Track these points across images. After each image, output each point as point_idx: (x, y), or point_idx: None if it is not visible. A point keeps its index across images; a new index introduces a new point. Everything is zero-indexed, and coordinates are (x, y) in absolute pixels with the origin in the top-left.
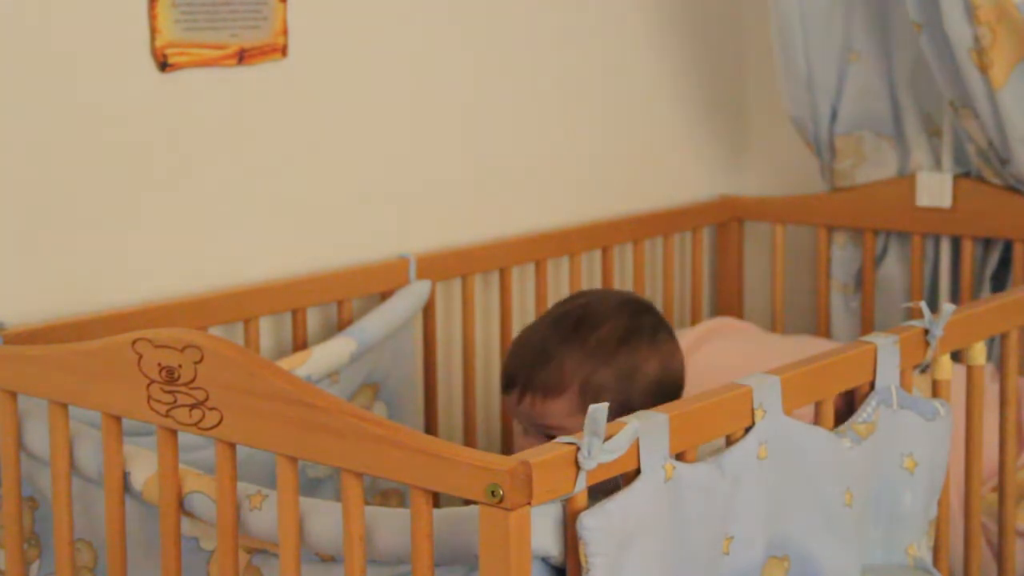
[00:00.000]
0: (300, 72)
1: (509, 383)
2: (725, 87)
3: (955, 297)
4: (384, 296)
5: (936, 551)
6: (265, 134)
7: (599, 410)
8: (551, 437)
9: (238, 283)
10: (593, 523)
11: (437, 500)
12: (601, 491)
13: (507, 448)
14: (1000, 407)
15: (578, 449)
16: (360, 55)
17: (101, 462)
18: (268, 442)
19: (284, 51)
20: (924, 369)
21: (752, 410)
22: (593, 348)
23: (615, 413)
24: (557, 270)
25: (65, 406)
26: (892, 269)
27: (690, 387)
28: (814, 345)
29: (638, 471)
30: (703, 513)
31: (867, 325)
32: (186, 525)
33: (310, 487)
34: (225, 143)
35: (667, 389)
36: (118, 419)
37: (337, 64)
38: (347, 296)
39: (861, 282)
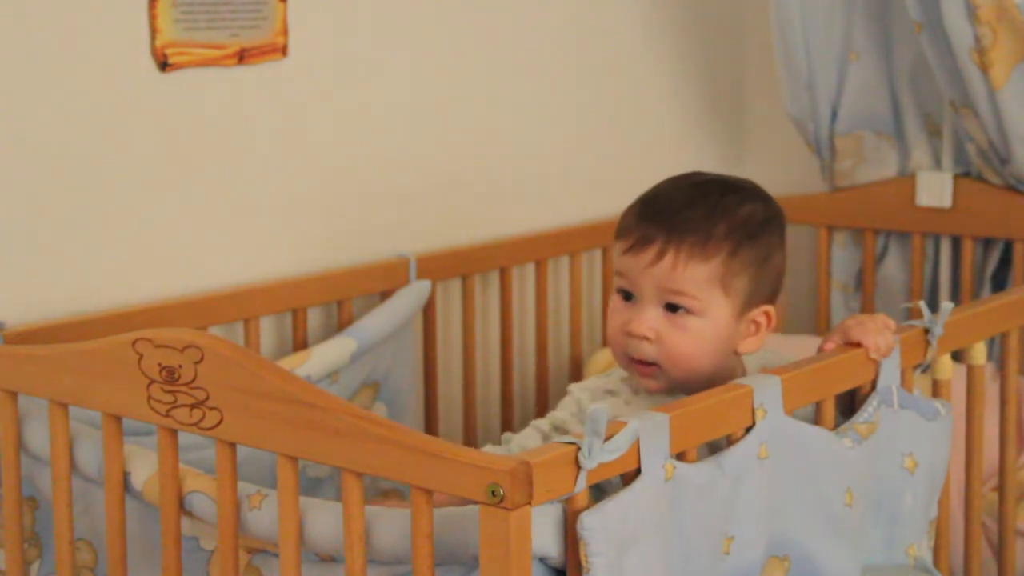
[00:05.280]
0: (300, 72)
1: (645, 236)
2: (725, 87)
3: (955, 297)
4: (384, 296)
5: (936, 551)
6: (265, 134)
7: (599, 411)
8: (671, 307)
9: (238, 283)
10: (593, 523)
11: None
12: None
13: None
14: (1000, 407)
15: (578, 449)
16: (360, 55)
17: (101, 462)
18: (268, 442)
19: (284, 51)
20: (925, 369)
21: (752, 410)
22: (742, 222)
23: (745, 295)
24: (557, 270)
25: (65, 406)
26: (892, 269)
27: None
28: (814, 345)
29: (638, 471)
30: (703, 513)
31: None
32: (186, 525)
33: (310, 487)
34: (225, 143)
35: (779, 284)
36: (118, 419)
37: (337, 64)
38: (347, 296)
39: (861, 282)
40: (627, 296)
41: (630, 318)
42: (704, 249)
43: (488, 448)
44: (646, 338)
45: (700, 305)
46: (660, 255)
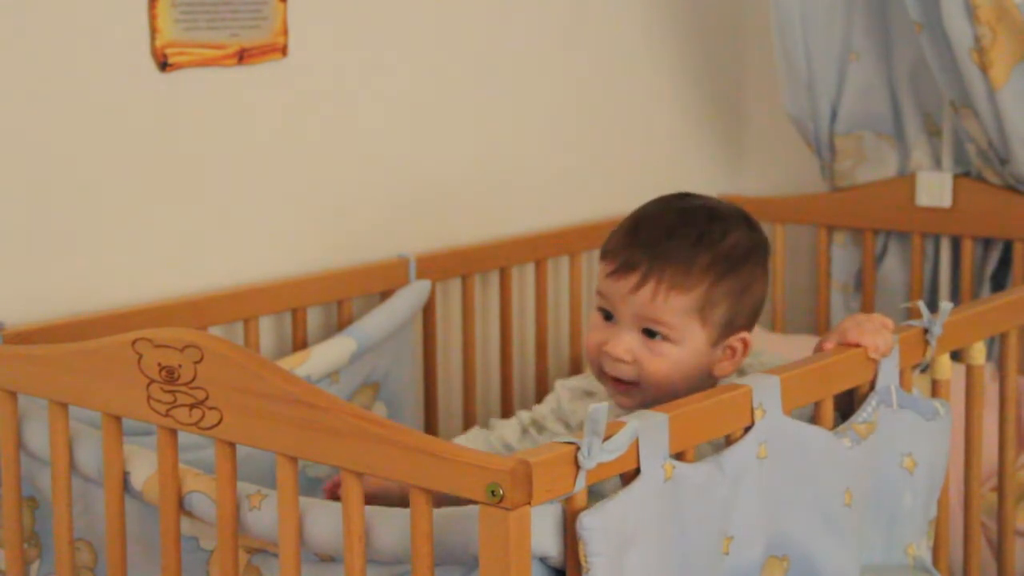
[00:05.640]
0: (300, 72)
1: (629, 262)
2: (725, 87)
3: (955, 297)
4: (384, 296)
5: (936, 551)
6: (265, 134)
7: (599, 410)
8: (649, 333)
9: (238, 283)
10: (593, 523)
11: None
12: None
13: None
14: (1000, 407)
15: (578, 449)
16: (360, 55)
17: (101, 462)
18: (268, 442)
19: (284, 51)
20: (924, 369)
21: (752, 410)
22: (724, 254)
23: (722, 324)
24: (557, 270)
25: (65, 406)
26: (892, 269)
27: None
28: (814, 345)
29: (638, 471)
30: (703, 513)
31: None
32: (186, 525)
33: (310, 487)
34: (225, 143)
35: (757, 311)
36: (118, 419)
37: (337, 64)
38: (347, 296)
39: (861, 282)
40: (607, 316)
41: (608, 338)
42: (685, 280)
43: (473, 431)
44: (622, 359)
45: (677, 334)
46: (642, 283)
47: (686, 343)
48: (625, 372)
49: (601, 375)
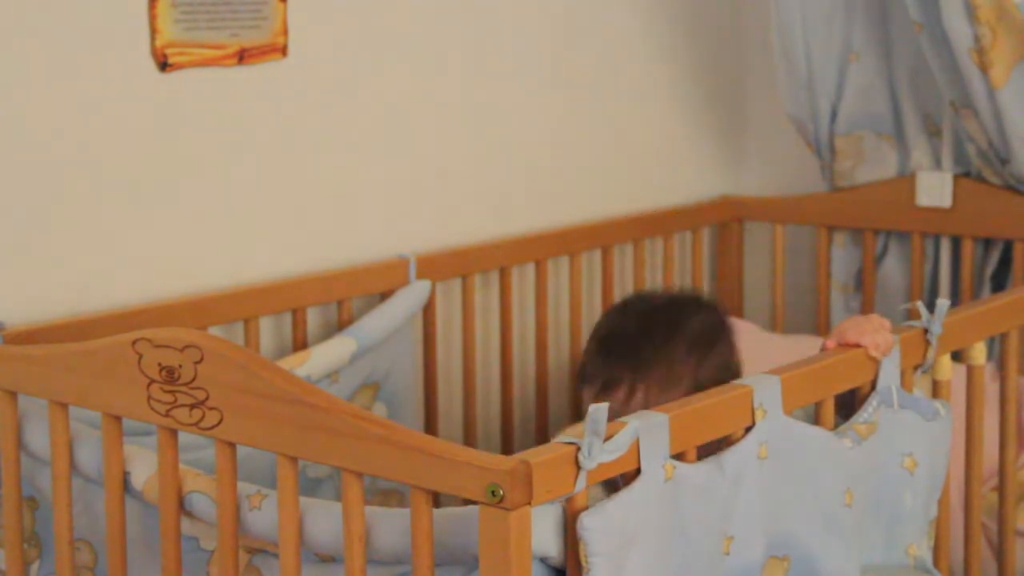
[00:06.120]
0: (300, 72)
1: (612, 377)
2: (725, 87)
3: (955, 297)
4: (384, 296)
5: (936, 551)
6: (265, 134)
7: (599, 410)
8: None
9: (238, 283)
10: (593, 523)
11: (437, 500)
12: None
13: (507, 448)
14: (1000, 407)
15: (578, 449)
16: (360, 55)
17: (101, 462)
18: (268, 442)
19: (284, 51)
20: (925, 369)
21: (752, 410)
22: (694, 341)
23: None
24: (557, 270)
25: (65, 406)
26: (892, 269)
27: None
28: (814, 345)
29: (638, 471)
30: (703, 513)
31: None
32: (186, 525)
33: (310, 487)
34: (225, 143)
35: (739, 376)
36: (118, 419)
37: (337, 64)
38: (347, 296)
39: (861, 282)
40: None
41: None
42: (671, 376)
43: None
44: None
45: None
46: (631, 394)
47: None
48: None
49: None
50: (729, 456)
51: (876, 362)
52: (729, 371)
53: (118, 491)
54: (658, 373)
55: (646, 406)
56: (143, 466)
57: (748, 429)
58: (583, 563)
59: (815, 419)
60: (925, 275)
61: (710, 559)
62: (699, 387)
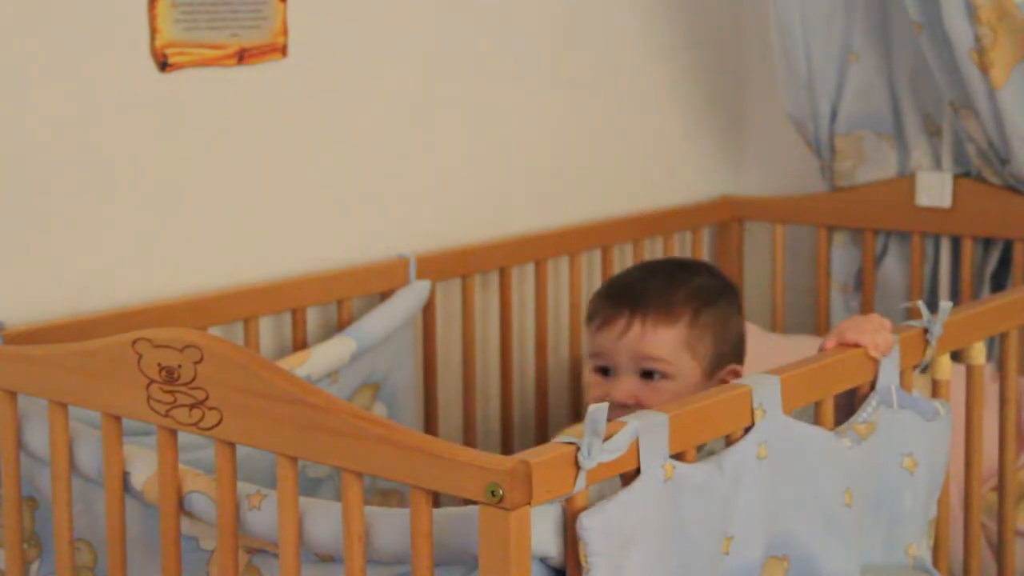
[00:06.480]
0: (300, 72)
1: (612, 311)
2: (725, 87)
3: (955, 297)
4: (384, 296)
5: (936, 551)
6: (265, 134)
7: (599, 410)
8: (647, 374)
9: (238, 283)
10: (593, 523)
11: (437, 500)
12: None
13: (507, 448)
14: (1000, 407)
15: (578, 449)
16: (360, 55)
17: (101, 462)
18: (268, 442)
19: (284, 51)
20: (924, 369)
21: (752, 410)
22: (698, 289)
23: (711, 356)
24: (557, 270)
25: (65, 406)
26: (892, 269)
27: None
28: (814, 345)
29: (638, 471)
30: (703, 513)
31: None
32: (186, 525)
33: (310, 487)
34: (225, 143)
35: (742, 347)
36: (118, 419)
37: (337, 64)
38: (347, 296)
39: (861, 282)
40: (604, 372)
41: (609, 389)
42: (668, 315)
43: None
44: (626, 405)
45: (672, 368)
46: (628, 326)
47: (682, 377)
48: None
49: None
50: (729, 456)
51: (876, 362)
52: (729, 329)
53: (118, 491)
54: (655, 309)
55: (642, 338)
56: (143, 466)
57: (748, 429)
58: (583, 563)
59: (814, 419)
60: (925, 275)
61: (710, 559)
62: (697, 337)
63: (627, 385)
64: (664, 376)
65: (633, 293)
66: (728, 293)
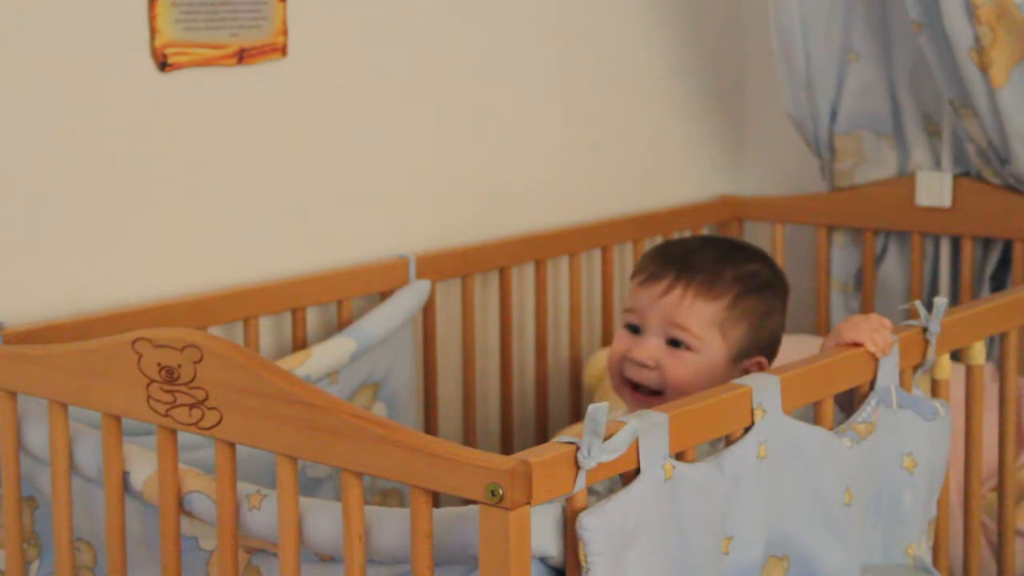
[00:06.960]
0: (300, 72)
1: (659, 271)
2: (725, 87)
3: (955, 297)
4: (384, 296)
5: (936, 551)
6: (265, 134)
7: (598, 410)
8: (673, 343)
9: (238, 283)
10: (593, 523)
11: (437, 500)
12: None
13: (507, 448)
14: (1000, 407)
15: (577, 449)
16: (360, 55)
17: (101, 462)
18: (268, 442)
19: (284, 51)
20: (924, 369)
21: (752, 410)
22: (748, 274)
23: (741, 344)
24: (557, 270)
25: (65, 406)
26: (892, 269)
27: None
28: (814, 345)
29: (638, 471)
30: (703, 513)
31: None
32: (186, 525)
33: (310, 487)
34: (225, 143)
35: (776, 342)
36: (118, 419)
37: (337, 64)
38: (347, 296)
39: (861, 282)
40: (633, 330)
41: (632, 346)
42: (711, 290)
43: None
44: (645, 365)
45: (699, 343)
46: (669, 288)
47: (706, 353)
48: (648, 378)
49: (621, 385)
50: (728, 456)
51: (875, 362)
52: (767, 322)
53: (118, 491)
54: (700, 281)
55: (679, 305)
56: (143, 466)
57: (748, 429)
58: (583, 563)
59: (813, 419)
60: (925, 275)
61: (709, 559)
62: (733, 321)
63: (651, 347)
64: (689, 348)
65: (685, 259)
66: (777, 287)
